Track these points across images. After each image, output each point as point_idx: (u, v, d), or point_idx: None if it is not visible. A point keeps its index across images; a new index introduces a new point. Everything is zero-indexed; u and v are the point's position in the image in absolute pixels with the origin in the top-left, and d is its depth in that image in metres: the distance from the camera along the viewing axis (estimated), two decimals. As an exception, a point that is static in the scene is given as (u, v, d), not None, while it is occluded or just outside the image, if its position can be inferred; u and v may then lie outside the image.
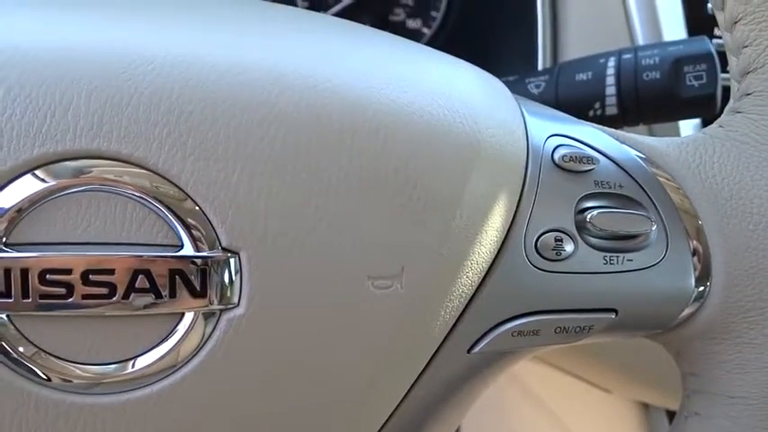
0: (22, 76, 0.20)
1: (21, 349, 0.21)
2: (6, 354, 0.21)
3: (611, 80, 0.37)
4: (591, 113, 0.38)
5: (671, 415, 0.56)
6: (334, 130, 0.22)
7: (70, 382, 0.21)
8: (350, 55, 0.24)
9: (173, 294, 0.21)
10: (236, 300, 0.21)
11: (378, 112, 0.23)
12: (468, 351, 0.25)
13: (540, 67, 0.50)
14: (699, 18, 0.47)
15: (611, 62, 0.38)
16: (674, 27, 0.47)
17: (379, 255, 0.22)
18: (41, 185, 0.20)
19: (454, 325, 0.24)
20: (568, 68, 0.39)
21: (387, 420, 0.25)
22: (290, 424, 0.23)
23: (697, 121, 0.46)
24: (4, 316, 0.20)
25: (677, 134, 0.46)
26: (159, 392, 0.22)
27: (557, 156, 0.26)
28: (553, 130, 0.26)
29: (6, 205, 0.20)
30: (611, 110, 0.38)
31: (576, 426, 0.57)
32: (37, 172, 0.20)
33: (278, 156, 0.21)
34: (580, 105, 0.38)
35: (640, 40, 0.46)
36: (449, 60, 0.27)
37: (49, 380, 0.21)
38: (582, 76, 0.38)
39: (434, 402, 0.26)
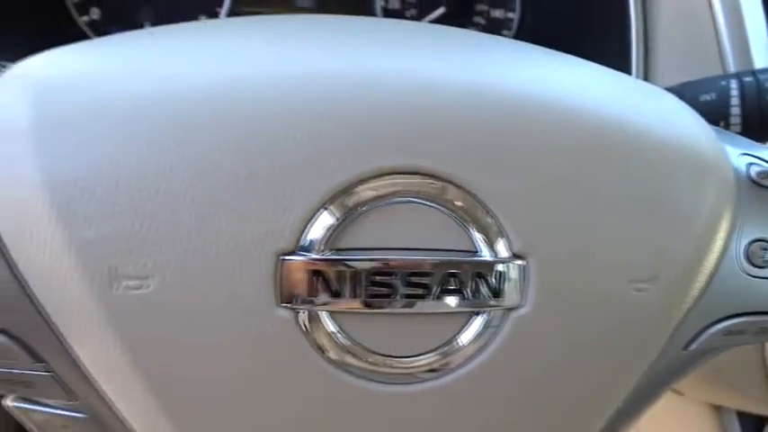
0: (343, 96, 0.22)
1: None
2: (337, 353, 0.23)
3: (735, 101, 0.40)
4: (715, 132, 0.41)
5: (742, 417, 0.59)
6: (607, 154, 0.24)
7: (388, 374, 0.23)
8: (587, 84, 0.26)
9: (475, 295, 0.23)
10: (522, 300, 0.23)
11: (637, 139, 0.25)
12: (685, 348, 0.27)
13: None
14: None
15: (734, 83, 0.41)
16: (761, 52, 0.50)
17: (639, 261, 0.25)
18: (369, 195, 0.22)
19: (679, 323, 0.27)
20: (690, 89, 0.42)
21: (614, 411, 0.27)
22: (551, 413, 0.25)
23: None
24: (326, 314, 0.22)
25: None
26: (455, 381, 0.24)
27: (752, 173, 0.28)
28: (741, 150, 0.29)
29: (338, 214, 0.22)
30: (735, 128, 0.40)
31: (647, 428, 0.60)
32: (364, 185, 0.22)
33: (562, 173, 0.24)
34: (705, 124, 0.41)
35: (732, 67, 0.49)
36: (649, 86, 0.29)
37: (368, 373, 0.23)
38: (706, 97, 0.41)
39: (644, 397, 0.28)
